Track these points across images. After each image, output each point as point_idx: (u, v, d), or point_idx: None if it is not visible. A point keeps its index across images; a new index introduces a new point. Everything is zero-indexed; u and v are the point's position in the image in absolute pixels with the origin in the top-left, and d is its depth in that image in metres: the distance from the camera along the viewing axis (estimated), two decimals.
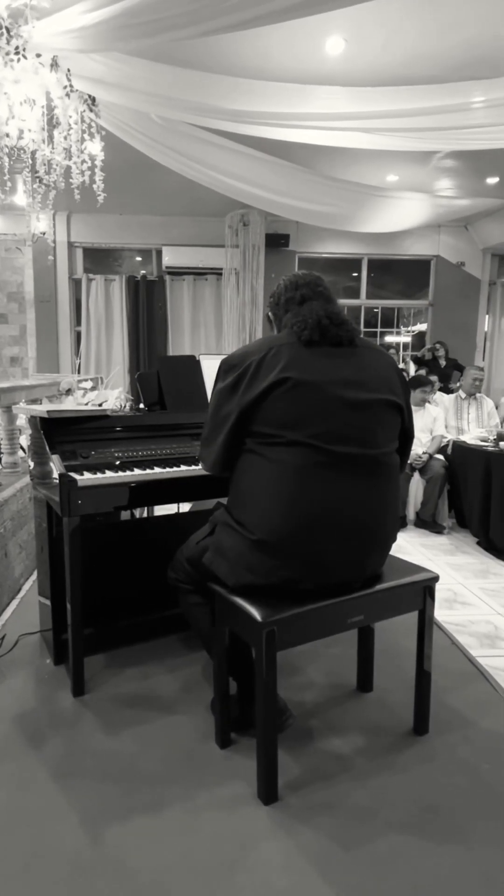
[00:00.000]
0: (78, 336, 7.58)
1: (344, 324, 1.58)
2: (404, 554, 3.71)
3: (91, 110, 3.91)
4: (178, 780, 1.64)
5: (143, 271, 7.71)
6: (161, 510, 3.03)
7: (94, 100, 3.90)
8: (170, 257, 7.26)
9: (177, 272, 7.42)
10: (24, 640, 2.45)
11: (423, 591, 1.74)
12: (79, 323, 7.58)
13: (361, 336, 1.65)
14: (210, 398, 1.65)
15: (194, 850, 1.41)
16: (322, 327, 1.54)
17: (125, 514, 2.97)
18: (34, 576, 2.90)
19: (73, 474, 1.95)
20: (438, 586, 1.81)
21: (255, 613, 1.49)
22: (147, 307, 7.53)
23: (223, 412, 1.57)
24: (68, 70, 3.47)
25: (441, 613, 2.73)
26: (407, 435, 1.72)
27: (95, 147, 4.01)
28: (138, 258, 7.95)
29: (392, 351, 7.73)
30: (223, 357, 1.63)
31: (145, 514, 3.31)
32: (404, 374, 1.82)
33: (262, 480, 1.53)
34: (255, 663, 1.52)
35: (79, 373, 7.16)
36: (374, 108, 3.73)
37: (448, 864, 1.37)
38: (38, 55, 3.23)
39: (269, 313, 1.78)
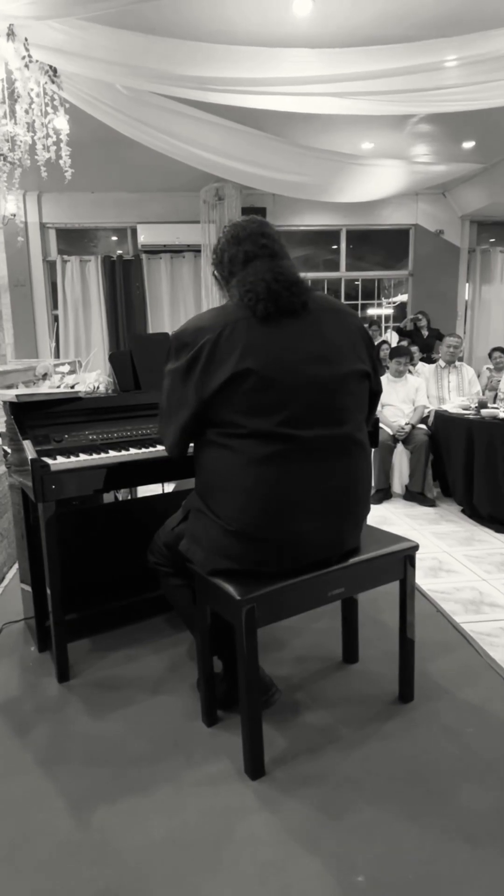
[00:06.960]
0: (55, 319, 7.44)
1: (295, 284, 1.47)
2: (389, 525, 3.72)
3: (53, 82, 3.77)
4: (165, 760, 1.63)
5: (119, 251, 7.55)
6: (145, 491, 3.00)
7: (55, 70, 3.76)
8: (145, 236, 7.10)
9: (153, 251, 7.27)
10: (8, 628, 2.42)
11: (403, 560, 1.73)
12: (55, 306, 7.43)
13: (314, 293, 1.52)
14: (165, 374, 1.54)
15: (181, 829, 1.40)
16: (273, 294, 1.43)
17: (108, 497, 2.94)
18: (18, 564, 2.87)
19: (45, 459, 1.91)
20: (423, 555, 1.80)
21: (234, 592, 1.47)
22: (124, 287, 7.39)
23: (177, 395, 1.49)
24: (26, 39, 3.34)
25: (426, 582, 2.74)
26: (374, 394, 1.68)
27: (61, 121, 3.86)
28: (113, 238, 7.78)
29: (374, 327, 7.66)
30: (175, 331, 1.53)
31: (129, 497, 3.28)
32: (370, 332, 1.74)
33: (229, 473, 1.47)
34: (237, 641, 1.51)
35: (56, 357, 7.04)
36: (345, 71, 3.62)
37: (432, 828, 1.38)
38: None
39: (215, 272, 1.64)
